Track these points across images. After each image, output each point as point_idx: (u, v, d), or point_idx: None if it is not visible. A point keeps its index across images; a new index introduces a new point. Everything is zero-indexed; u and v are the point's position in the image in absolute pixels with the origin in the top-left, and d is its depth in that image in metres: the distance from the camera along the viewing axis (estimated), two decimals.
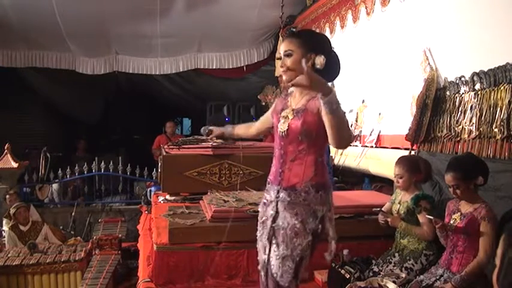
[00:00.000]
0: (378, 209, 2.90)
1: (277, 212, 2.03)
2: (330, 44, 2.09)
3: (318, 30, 5.67)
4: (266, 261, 2.04)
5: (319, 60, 1.97)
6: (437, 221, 2.43)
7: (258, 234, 2.13)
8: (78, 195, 6.83)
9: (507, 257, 0.96)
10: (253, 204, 3.06)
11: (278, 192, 2.03)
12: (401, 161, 2.86)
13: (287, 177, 2.02)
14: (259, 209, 2.17)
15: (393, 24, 3.91)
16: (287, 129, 2.02)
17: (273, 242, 2.02)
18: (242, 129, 2.65)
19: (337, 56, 2.11)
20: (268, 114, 2.34)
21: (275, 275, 1.99)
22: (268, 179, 2.12)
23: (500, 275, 0.96)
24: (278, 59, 2.18)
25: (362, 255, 2.87)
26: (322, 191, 1.98)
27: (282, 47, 2.08)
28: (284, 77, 2.08)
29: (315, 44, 2.03)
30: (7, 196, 5.27)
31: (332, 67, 2.06)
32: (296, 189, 1.98)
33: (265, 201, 2.12)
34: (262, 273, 2.07)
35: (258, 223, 2.14)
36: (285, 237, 1.97)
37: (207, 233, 2.90)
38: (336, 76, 2.15)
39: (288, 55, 2.03)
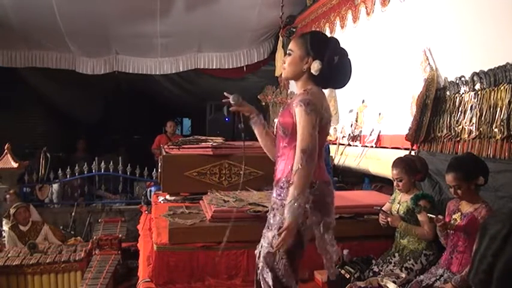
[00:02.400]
0: (378, 208, 2.90)
1: (273, 210, 2.08)
2: (335, 51, 2.03)
3: (317, 30, 5.68)
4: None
5: (314, 66, 2.00)
6: (438, 218, 2.42)
7: None
8: (78, 195, 6.82)
9: (478, 253, 0.96)
10: (253, 204, 3.06)
11: (273, 187, 2.10)
12: (398, 163, 2.85)
13: (276, 172, 2.09)
14: None
15: (393, 24, 3.91)
16: (276, 126, 2.11)
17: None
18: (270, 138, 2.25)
19: (343, 65, 2.06)
20: None
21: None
22: None
23: (471, 272, 0.97)
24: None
25: (362, 255, 2.87)
26: (321, 189, 1.99)
27: (289, 46, 2.14)
28: (283, 75, 2.15)
29: (316, 48, 2.02)
30: (7, 196, 5.27)
31: (332, 74, 2.04)
32: (278, 183, 2.03)
33: None
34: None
35: None
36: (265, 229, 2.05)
37: (207, 233, 2.90)
38: (341, 83, 2.12)
39: (289, 54, 2.08)
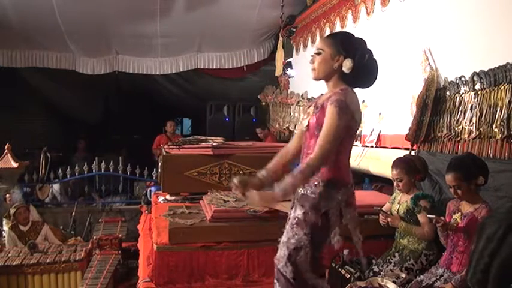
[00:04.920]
0: (378, 208, 2.90)
1: (294, 203, 2.10)
2: (365, 50, 2.08)
3: (318, 30, 5.68)
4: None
5: (346, 64, 2.01)
6: (438, 219, 2.42)
7: None
8: (78, 195, 6.82)
9: (476, 253, 0.96)
10: None
11: None
12: (398, 163, 2.85)
13: None
14: None
15: (393, 24, 3.91)
16: (307, 125, 2.11)
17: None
18: (280, 161, 2.20)
19: (372, 64, 2.09)
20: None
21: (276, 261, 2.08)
22: None
23: (469, 272, 0.97)
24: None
25: (362, 255, 2.87)
26: (331, 187, 2.00)
27: (316, 45, 2.14)
28: (312, 75, 2.13)
29: (346, 46, 2.04)
30: (7, 196, 5.27)
31: (363, 73, 2.06)
32: (308, 182, 2.02)
33: None
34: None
35: None
36: (289, 225, 2.06)
37: (207, 233, 2.91)
38: (369, 83, 2.14)
39: (318, 53, 2.08)
